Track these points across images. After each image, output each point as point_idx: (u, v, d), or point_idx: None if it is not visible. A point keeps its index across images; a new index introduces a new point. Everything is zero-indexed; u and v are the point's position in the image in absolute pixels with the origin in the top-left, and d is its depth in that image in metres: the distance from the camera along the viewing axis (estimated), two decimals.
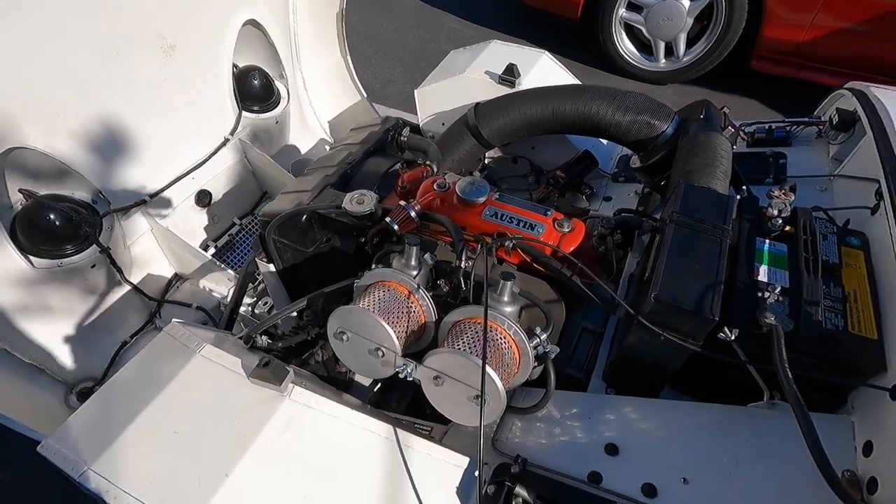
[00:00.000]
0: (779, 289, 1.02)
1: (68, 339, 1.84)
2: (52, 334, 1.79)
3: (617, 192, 1.80)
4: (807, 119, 1.67)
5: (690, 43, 3.75)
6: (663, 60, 3.85)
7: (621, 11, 3.73)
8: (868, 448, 0.92)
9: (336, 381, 1.47)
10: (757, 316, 0.99)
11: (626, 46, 3.90)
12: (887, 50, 3.12)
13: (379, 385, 1.55)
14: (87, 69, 1.67)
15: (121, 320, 1.98)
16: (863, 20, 3.14)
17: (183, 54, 1.95)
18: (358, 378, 1.56)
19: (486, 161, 2.09)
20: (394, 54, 4.35)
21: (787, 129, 1.68)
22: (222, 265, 2.01)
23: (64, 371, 1.78)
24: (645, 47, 3.90)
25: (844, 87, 1.63)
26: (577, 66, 4.13)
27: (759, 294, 1.01)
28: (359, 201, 1.33)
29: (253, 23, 2.20)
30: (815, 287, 1.01)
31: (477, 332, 1.05)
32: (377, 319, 1.05)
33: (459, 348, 1.02)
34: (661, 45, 3.78)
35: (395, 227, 1.27)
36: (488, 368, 0.96)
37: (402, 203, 1.28)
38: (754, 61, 3.61)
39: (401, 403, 1.46)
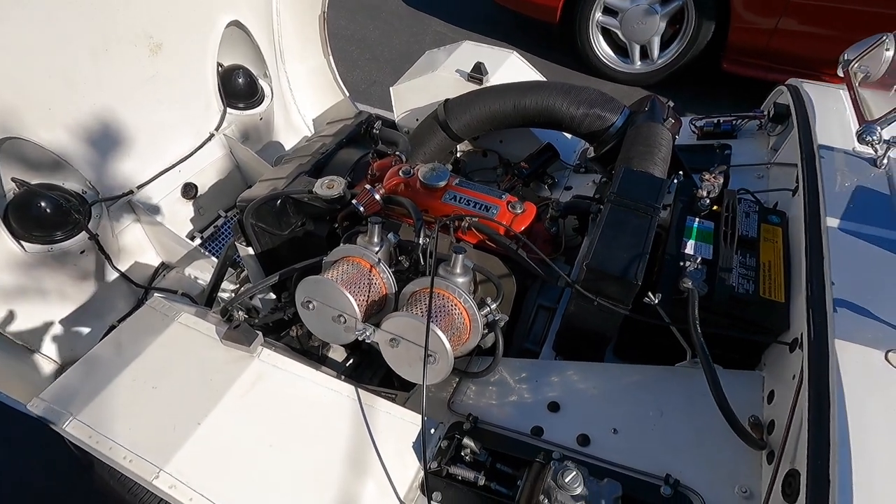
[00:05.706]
0: (699, 259, 1.14)
1: (58, 322, 1.93)
2: (42, 317, 1.87)
3: (577, 182, 1.92)
4: (749, 113, 1.79)
5: (664, 46, 3.90)
6: (639, 63, 3.99)
7: (598, 16, 3.88)
8: (771, 396, 1.03)
9: (309, 355, 1.57)
10: (679, 282, 1.11)
11: (602, 49, 4.04)
12: (842, 50, 3.28)
13: (351, 361, 1.65)
14: (76, 65, 1.77)
15: (109, 305, 2.07)
16: (821, 23, 3.30)
17: (169, 53, 2.05)
18: (331, 354, 1.67)
19: (458, 154, 2.21)
20: (380, 56, 4.47)
21: (733, 122, 1.81)
22: (207, 253, 2.11)
23: (53, 352, 1.87)
24: (621, 50, 4.05)
25: (785, 83, 1.76)
26: (556, 69, 4.27)
27: (682, 264, 1.13)
28: (328, 186, 1.44)
29: (237, 24, 2.31)
30: (730, 257, 1.13)
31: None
32: (339, 288, 1.16)
33: (413, 314, 1.13)
34: (637, 48, 3.93)
35: (361, 209, 1.38)
36: (435, 328, 1.07)
37: (368, 187, 1.39)
38: (725, 63, 3.76)
39: (373, 381, 1.56)
